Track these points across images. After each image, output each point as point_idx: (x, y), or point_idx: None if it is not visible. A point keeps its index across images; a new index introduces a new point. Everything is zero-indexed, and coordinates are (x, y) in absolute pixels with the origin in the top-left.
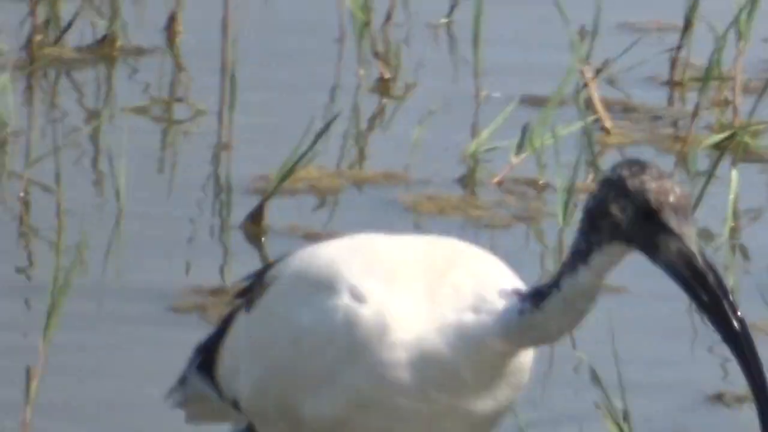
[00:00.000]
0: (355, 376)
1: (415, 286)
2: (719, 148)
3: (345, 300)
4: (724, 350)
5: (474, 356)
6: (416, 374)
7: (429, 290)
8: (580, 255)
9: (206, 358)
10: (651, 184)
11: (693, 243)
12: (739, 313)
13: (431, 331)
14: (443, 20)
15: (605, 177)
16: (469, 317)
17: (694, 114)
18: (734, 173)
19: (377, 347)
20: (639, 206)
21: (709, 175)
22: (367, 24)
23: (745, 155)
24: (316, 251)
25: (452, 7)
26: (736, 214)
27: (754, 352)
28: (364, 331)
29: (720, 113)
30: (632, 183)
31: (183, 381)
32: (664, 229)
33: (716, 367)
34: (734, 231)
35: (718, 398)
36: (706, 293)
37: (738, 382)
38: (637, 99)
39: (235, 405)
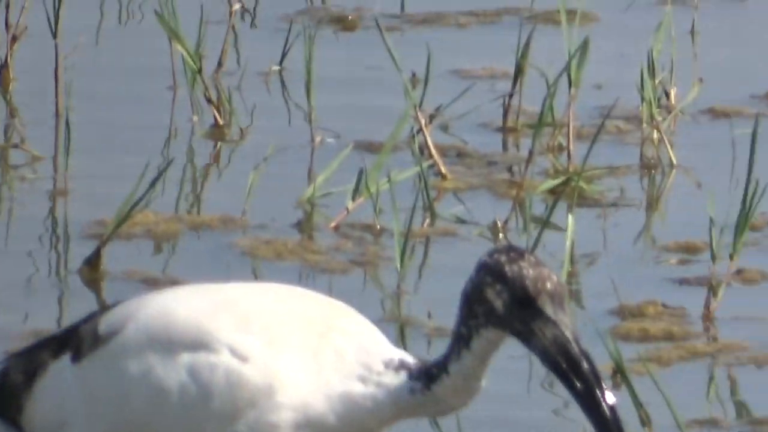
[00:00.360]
0: None
1: (295, 346)
2: (554, 193)
3: (225, 359)
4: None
5: (358, 425)
6: (300, 427)
7: (310, 352)
8: (462, 339)
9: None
10: (529, 271)
11: (568, 330)
12: (609, 401)
13: (318, 397)
14: (275, 68)
15: (483, 262)
16: (358, 388)
17: (529, 160)
18: (570, 218)
19: (263, 408)
20: (516, 293)
21: (546, 220)
22: (199, 71)
23: (581, 200)
24: (171, 306)
25: (283, 55)
26: (572, 259)
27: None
28: (250, 392)
29: (554, 159)
30: (510, 269)
31: None
32: (541, 315)
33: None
34: (571, 276)
35: None
36: (579, 380)
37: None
38: (472, 145)
39: None
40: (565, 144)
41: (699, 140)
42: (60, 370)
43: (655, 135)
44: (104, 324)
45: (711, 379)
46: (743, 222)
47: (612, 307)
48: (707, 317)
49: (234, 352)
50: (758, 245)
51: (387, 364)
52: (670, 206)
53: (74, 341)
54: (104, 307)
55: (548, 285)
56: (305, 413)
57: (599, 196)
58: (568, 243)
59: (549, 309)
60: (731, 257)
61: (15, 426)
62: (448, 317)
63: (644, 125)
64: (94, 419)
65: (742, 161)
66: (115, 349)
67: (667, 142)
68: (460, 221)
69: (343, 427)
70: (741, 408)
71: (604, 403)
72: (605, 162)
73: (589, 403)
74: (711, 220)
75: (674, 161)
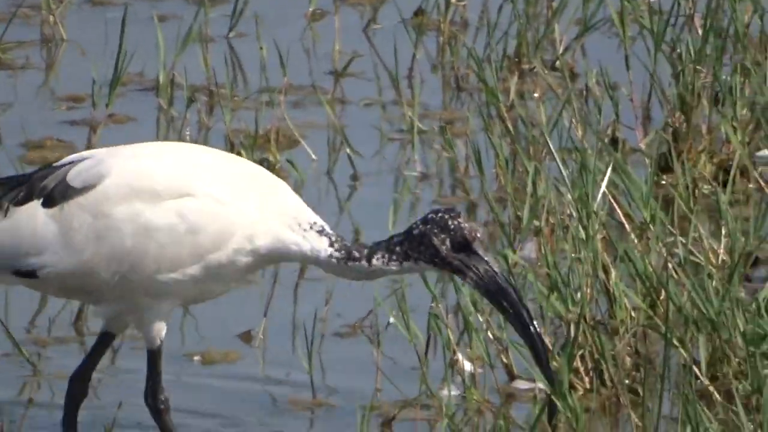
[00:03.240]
0: (213, 258)
1: (252, 197)
2: None
3: (209, 203)
4: None
5: (278, 259)
6: (250, 257)
7: (261, 202)
8: (396, 255)
9: None
10: (465, 225)
11: (496, 266)
12: (534, 320)
13: (263, 234)
14: None
15: (430, 217)
16: (289, 234)
17: None
18: None
19: (238, 238)
20: (457, 239)
21: None
22: None
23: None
24: (150, 164)
25: None
26: None
27: (544, 345)
28: (230, 227)
29: None
30: (452, 223)
31: None
32: (476, 255)
33: None
34: None
35: None
36: (507, 302)
37: None
38: None
39: (28, 275)
40: None
41: (83, 21)
42: (31, 212)
43: (51, 18)
44: (75, 179)
45: None
46: (116, 79)
47: (21, 142)
48: (89, 148)
49: (214, 198)
50: (125, 96)
51: (312, 226)
52: (62, 70)
53: (40, 191)
54: (51, 166)
55: (478, 234)
56: (251, 243)
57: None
58: None
59: (480, 251)
60: (107, 105)
61: None
62: None
63: (43, 11)
64: (71, 248)
65: (116, 37)
66: (98, 197)
67: (60, 23)
68: None
69: (270, 259)
70: None
71: (528, 320)
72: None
73: (518, 320)
74: (93, 79)
75: (65, 37)
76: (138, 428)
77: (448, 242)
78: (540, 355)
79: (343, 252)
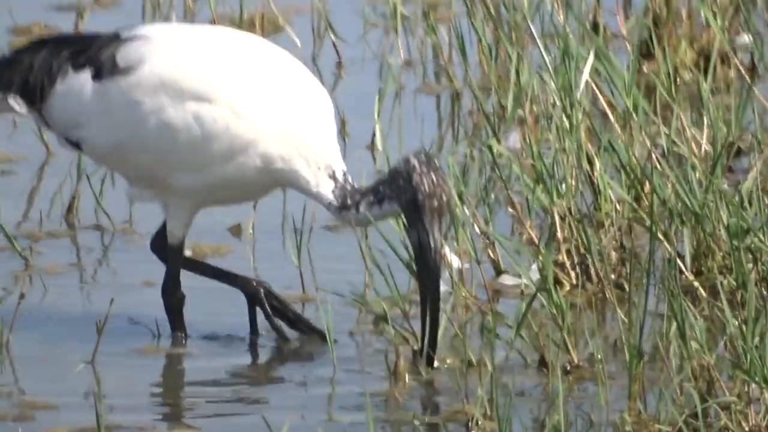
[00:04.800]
0: (224, 167)
1: (277, 113)
2: None
3: (225, 113)
4: None
5: (281, 183)
6: (261, 174)
7: (288, 123)
8: (379, 196)
9: (25, 89)
10: (427, 186)
11: (433, 239)
12: (438, 291)
13: (278, 156)
14: None
15: (407, 159)
16: (302, 166)
17: None
18: None
19: (248, 149)
20: (412, 197)
21: None
22: None
23: None
24: (182, 58)
25: None
26: None
27: (439, 314)
28: (241, 141)
29: None
30: (417, 178)
31: None
32: (420, 221)
33: None
34: None
35: None
36: (429, 281)
37: None
38: None
39: (74, 145)
40: None
41: None
42: (82, 82)
43: None
44: (122, 56)
45: None
46: None
47: (8, 26)
48: (76, 33)
49: (232, 110)
50: None
51: (326, 168)
52: None
53: (94, 61)
54: (118, 34)
55: (435, 202)
56: (263, 162)
57: None
58: None
59: (427, 219)
60: None
61: (39, 114)
62: None
63: None
64: (108, 129)
65: None
66: (132, 83)
67: None
68: None
69: (281, 181)
70: None
71: (435, 291)
72: None
73: (428, 285)
74: None
75: None
76: (130, 323)
77: (407, 193)
78: (432, 337)
79: (339, 200)
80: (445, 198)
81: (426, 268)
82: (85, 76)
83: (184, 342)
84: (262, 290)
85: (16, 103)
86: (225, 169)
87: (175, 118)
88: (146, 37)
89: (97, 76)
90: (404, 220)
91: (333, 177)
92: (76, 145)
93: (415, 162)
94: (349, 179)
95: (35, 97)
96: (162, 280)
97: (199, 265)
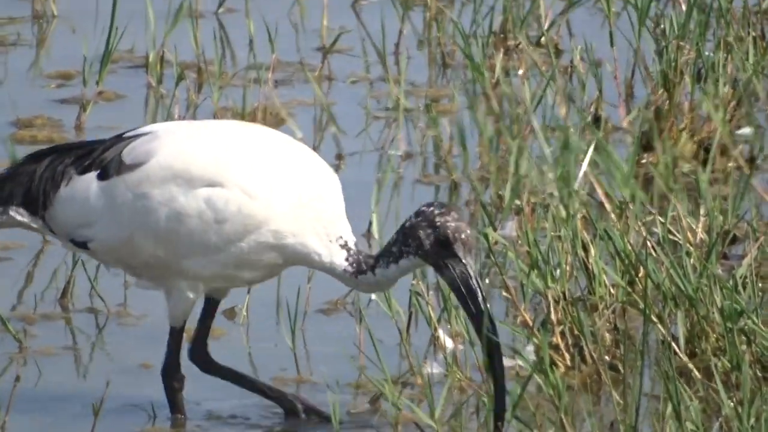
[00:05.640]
0: (237, 247)
1: (288, 196)
2: None
3: (237, 195)
4: None
5: (294, 262)
6: (275, 252)
7: (298, 203)
8: (394, 256)
9: (28, 198)
10: (452, 224)
11: (472, 269)
12: (492, 324)
13: (289, 234)
14: None
15: (421, 210)
16: (314, 241)
17: None
18: None
19: (261, 228)
20: (440, 237)
21: None
22: None
23: None
24: (190, 149)
25: None
26: None
27: (499, 349)
28: (254, 220)
29: None
30: (439, 220)
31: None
32: (455, 256)
33: None
34: None
35: None
36: (474, 305)
37: None
38: None
39: (80, 246)
40: None
41: None
42: (87, 182)
43: None
44: (128, 155)
45: None
46: (107, 56)
47: (11, 120)
48: (78, 127)
49: (244, 191)
50: (115, 73)
51: (337, 239)
52: (53, 46)
53: (98, 163)
54: (121, 136)
55: (463, 236)
56: (276, 239)
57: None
58: None
59: (461, 252)
60: (97, 83)
61: (43, 221)
62: None
63: None
64: (115, 225)
65: (107, 13)
66: (141, 177)
67: None
68: None
69: (293, 259)
70: None
71: (486, 322)
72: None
73: (476, 321)
74: (84, 56)
75: (55, 13)
76: (127, 406)
77: (432, 237)
78: (495, 362)
79: (354, 266)
80: (470, 231)
81: (471, 297)
82: (90, 177)
83: (183, 423)
84: (298, 405)
85: (18, 214)
86: (237, 250)
87: (186, 206)
88: (152, 133)
89: (102, 175)
90: (431, 266)
91: (345, 247)
92: (83, 245)
93: (430, 209)
94: (360, 249)
95: (38, 204)
96: (161, 363)
97: (238, 376)
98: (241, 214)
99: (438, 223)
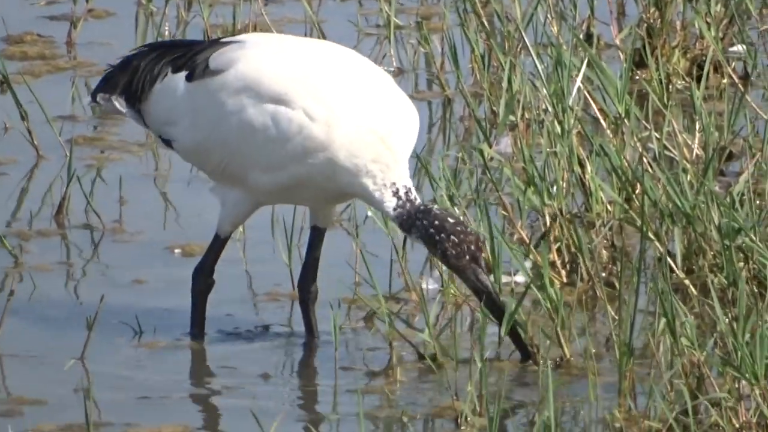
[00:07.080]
0: (296, 168)
1: (350, 121)
2: None
3: (299, 115)
4: None
5: (343, 193)
6: (329, 181)
7: (359, 137)
8: (425, 240)
9: (129, 89)
10: (453, 251)
11: (486, 277)
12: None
13: (343, 163)
14: None
15: (443, 227)
16: (368, 181)
17: None
18: None
19: (318, 153)
20: (462, 252)
21: None
22: None
23: None
24: (264, 65)
25: None
26: None
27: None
28: (313, 143)
29: None
30: (440, 246)
31: (104, 99)
32: (475, 267)
33: None
34: None
35: None
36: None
37: None
38: None
39: (167, 143)
40: None
41: None
42: (177, 82)
43: None
44: (214, 60)
45: (71, 85)
46: None
47: (1, 36)
48: (69, 43)
49: (307, 112)
50: None
51: (392, 185)
52: None
53: (190, 64)
54: (218, 40)
55: (480, 253)
56: (332, 169)
57: None
58: None
59: (469, 272)
60: (87, 0)
61: (138, 114)
62: None
63: None
64: (194, 127)
65: None
66: (219, 84)
67: None
68: None
69: (343, 191)
70: None
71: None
72: None
73: (497, 311)
74: None
75: None
76: (119, 322)
77: (454, 252)
78: (520, 340)
79: (398, 219)
80: (481, 246)
81: (489, 294)
82: (180, 77)
83: (202, 332)
84: None
85: (119, 104)
86: (297, 171)
87: (253, 119)
88: (242, 42)
89: (189, 77)
90: (455, 272)
91: (396, 194)
92: (169, 144)
93: (457, 227)
94: (411, 196)
95: (136, 97)
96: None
97: (310, 326)
98: (301, 135)
99: (460, 239)
